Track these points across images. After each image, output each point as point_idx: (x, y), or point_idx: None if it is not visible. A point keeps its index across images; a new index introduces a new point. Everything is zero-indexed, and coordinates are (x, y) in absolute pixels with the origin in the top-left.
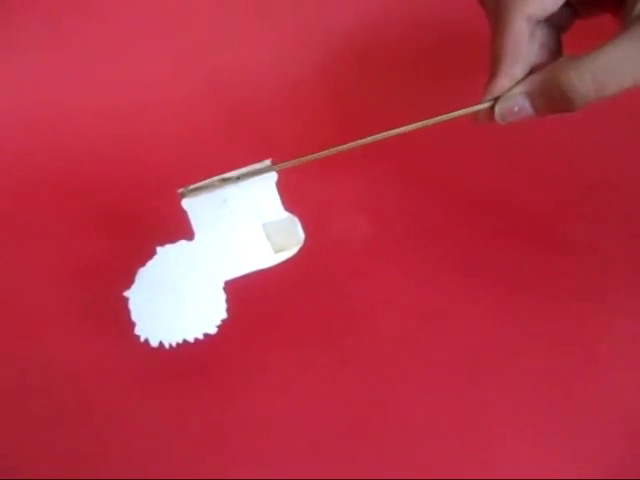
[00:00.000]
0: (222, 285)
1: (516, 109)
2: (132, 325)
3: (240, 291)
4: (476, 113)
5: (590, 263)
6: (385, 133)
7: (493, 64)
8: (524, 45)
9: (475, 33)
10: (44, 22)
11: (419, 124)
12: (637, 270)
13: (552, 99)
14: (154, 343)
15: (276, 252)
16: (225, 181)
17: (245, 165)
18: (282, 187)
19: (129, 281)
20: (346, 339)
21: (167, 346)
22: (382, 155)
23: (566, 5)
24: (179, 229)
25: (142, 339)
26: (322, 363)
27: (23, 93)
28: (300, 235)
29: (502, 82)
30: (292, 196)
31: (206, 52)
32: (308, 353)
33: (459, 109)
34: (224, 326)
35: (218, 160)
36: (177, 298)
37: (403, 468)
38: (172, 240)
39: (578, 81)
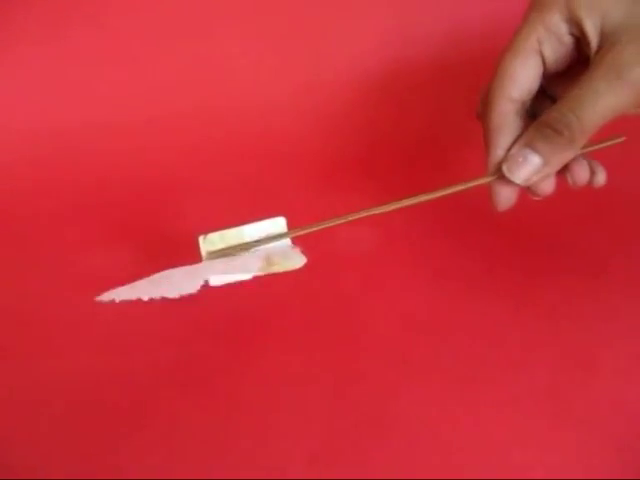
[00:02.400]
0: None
1: (521, 159)
2: None
3: (244, 303)
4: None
5: (590, 274)
6: (391, 205)
7: (485, 141)
8: (510, 120)
9: None
10: (48, 34)
11: (426, 197)
12: (637, 280)
13: (546, 137)
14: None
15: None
16: (245, 245)
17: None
18: (288, 199)
19: None
20: (351, 351)
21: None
22: (389, 167)
23: (550, 99)
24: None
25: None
26: (325, 375)
27: (29, 105)
28: (299, 260)
29: (496, 152)
30: (298, 209)
31: (213, 67)
32: (311, 365)
33: (466, 182)
34: (226, 337)
35: (225, 176)
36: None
37: None
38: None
39: (561, 116)
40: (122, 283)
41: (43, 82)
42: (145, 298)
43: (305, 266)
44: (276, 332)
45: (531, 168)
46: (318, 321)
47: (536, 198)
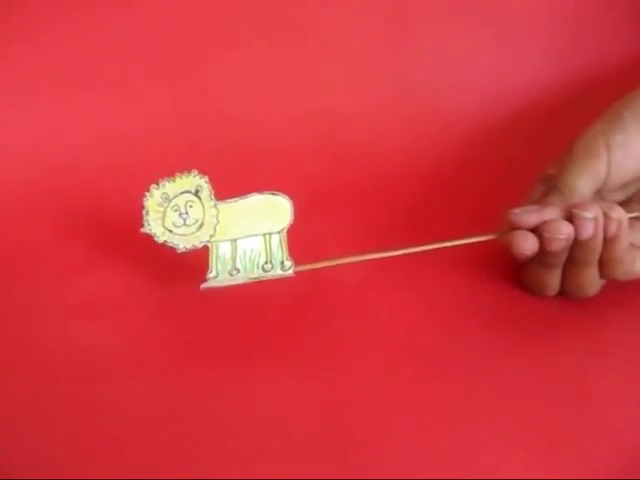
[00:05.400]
0: None
1: (527, 208)
2: None
3: (230, 332)
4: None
5: (582, 300)
6: (401, 250)
7: None
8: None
9: None
10: (49, 63)
11: (430, 247)
12: (629, 307)
13: (545, 194)
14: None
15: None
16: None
17: None
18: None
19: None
20: (339, 380)
21: None
22: (377, 193)
23: None
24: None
25: None
26: (313, 403)
27: (24, 126)
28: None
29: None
30: (287, 236)
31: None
32: (299, 393)
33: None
34: (210, 368)
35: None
36: None
37: None
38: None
39: (558, 184)
40: (116, 308)
41: (39, 98)
42: None
43: (293, 295)
44: (263, 365)
45: (532, 208)
46: (306, 351)
47: (553, 247)
